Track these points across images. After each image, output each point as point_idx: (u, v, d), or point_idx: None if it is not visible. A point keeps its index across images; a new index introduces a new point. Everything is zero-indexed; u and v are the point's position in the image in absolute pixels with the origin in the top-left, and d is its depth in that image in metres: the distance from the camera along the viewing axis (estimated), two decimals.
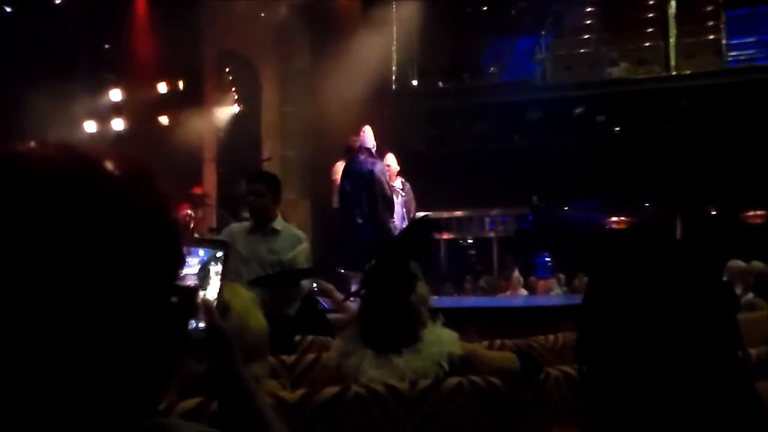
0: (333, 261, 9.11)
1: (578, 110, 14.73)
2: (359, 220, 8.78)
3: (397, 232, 9.05)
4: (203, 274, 1.19)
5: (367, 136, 8.97)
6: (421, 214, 9.61)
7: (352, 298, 4.82)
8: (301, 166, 14.21)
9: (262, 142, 14.19)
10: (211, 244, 1.23)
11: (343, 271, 8.73)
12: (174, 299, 0.89)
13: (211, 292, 1.21)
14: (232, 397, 1.24)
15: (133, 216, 0.84)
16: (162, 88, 13.10)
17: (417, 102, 15.36)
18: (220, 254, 1.21)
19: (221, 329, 1.22)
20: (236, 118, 14.18)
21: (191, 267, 1.19)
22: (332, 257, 9.15)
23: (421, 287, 2.83)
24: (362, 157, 8.89)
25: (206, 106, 13.78)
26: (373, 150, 8.98)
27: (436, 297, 8.62)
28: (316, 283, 5.27)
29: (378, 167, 8.84)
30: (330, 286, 5.18)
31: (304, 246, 5.26)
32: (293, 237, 5.17)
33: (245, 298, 2.19)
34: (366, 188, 8.77)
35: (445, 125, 15.53)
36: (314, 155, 13.72)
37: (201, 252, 1.21)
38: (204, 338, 1.19)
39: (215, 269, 1.21)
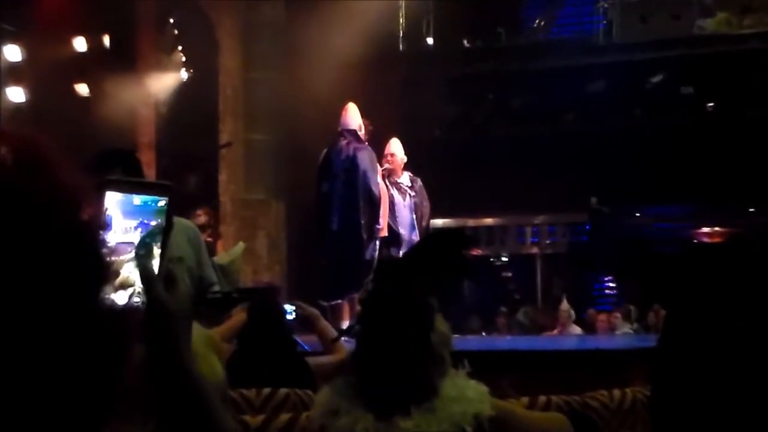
0: (315, 287, 9.14)
1: (656, 79, 14.73)
2: (334, 228, 8.87)
3: (405, 246, 9.06)
4: (144, 252, 1.24)
5: (350, 116, 9.10)
6: (438, 222, 9.63)
7: (344, 337, 4.82)
8: (274, 154, 14.21)
9: (219, 121, 14.20)
10: (151, 188, 1.30)
11: (325, 303, 8.79)
12: (100, 326, 0.88)
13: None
14: (175, 391, 1.29)
15: (28, 214, 0.83)
16: (80, 44, 13.11)
17: (433, 68, 15.37)
18: (160, 226, 1.30)
19: (163, 304, 1.26)
20: (183, 88, 14.18)
21: (129, 233, 1.25)
22: (315, 282, 9.17)
23: (440, 323, 2.83)
24: (343, 142, 8.99)
25: (141, 71, 13.78)
26: (360, 132, 9.05)
27: (458, 336, 8.59)
28: (295, 307, 5.26)
29: (364, 153, 8.92)
30: (314, 311, 5.17)
31: (241, 246, 5.21)
32: (183, 228, 5.09)
33: (196, 338, 2.19)
34: (346, 182, 8.86)
35: (471, 100, 15.53)
36: (291, 140, 13.71)
37: (151, 222, 1.28)
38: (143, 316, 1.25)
39: (157, 247, 1.28)
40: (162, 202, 1.29)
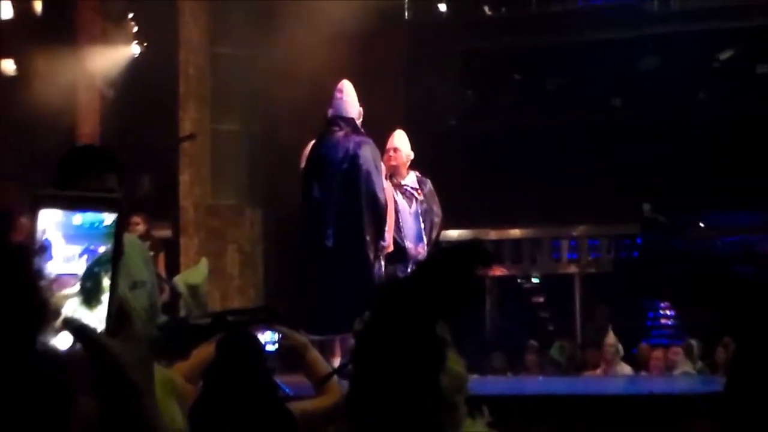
0: (300, 317, 9.14)
1: (724, 56, 14.75)
2: (328, 243, 8.77)
3: (411, 263, 9.06)
4: (92, 285, 1.23)
5: (347, 99, 9.05)
6: (452, 234, 9.62)
7: (337, 377, 4.82)
8: (248, 149, 14.23)
9: (180, 108, 14.21)
10: (95, 204, 1.29)
11: (313, 337, 8.76)
12: (35, 375, 0.89)
13: (100, 314, 1.25)
14: None
15: None
16: (5, 10, 13.13)
17: (446, 42, 15.40)
18: (110, 252, 1.28)
19: (109, 353, 1.24)
20: (135, 66, 14.20)
21: (73, 262, 1.24)
22: (300, 311, 9.18)
23: (453, 361, 2.84)
24: (339, 134, 8.93)
25: (82, 44, 13.80)
26: (359, 121, 9.02)
27: (476, 377, 8.60)
28: (280, 334, 5.24)
29: (367, 149, 8.87)
30: (302, 340, 5.15)
31: (204, 262, 5.26)
32: (134, 245, 5.15)
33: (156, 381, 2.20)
34: (344, 185, 8.80)
35: (493, 82, 15.56)
36: (269, 131, 13.75)
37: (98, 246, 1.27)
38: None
39: (107, 278, 1.27)
40: (109, 221, 1.28)
